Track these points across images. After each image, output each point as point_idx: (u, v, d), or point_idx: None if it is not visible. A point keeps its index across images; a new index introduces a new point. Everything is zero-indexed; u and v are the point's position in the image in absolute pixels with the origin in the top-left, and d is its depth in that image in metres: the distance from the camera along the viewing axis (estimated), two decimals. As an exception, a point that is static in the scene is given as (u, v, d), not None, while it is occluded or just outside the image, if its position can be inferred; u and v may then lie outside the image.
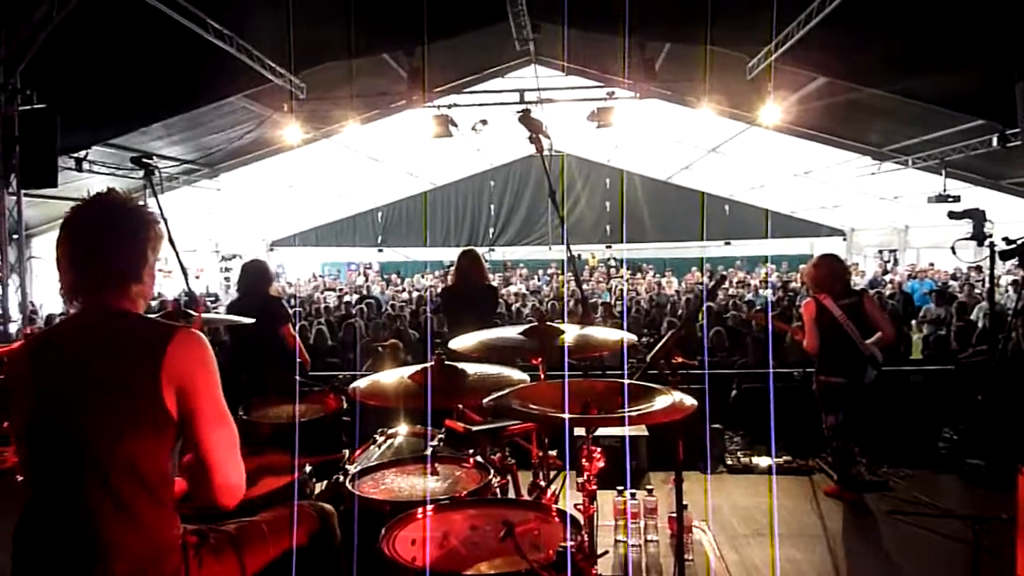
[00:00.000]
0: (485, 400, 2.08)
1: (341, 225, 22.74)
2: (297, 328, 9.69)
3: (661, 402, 1.96)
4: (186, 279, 3.86)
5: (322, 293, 17.34)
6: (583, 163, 20.47)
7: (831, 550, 4.37)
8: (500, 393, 2.10)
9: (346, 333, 10.66)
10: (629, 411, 1.88)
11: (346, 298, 15.74)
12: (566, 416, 1.84)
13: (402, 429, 3.32)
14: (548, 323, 2.44)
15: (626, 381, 2.04)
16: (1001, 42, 6.96)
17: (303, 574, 2.06)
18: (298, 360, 5.02)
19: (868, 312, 5.25)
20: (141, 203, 1.96)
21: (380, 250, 22.90)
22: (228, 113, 10.86)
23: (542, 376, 2.41)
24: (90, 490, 1.68)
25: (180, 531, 1.83)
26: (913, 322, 12.44)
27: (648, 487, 3.80)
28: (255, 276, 5.60)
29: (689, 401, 2.04)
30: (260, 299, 5.34)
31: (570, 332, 2.49)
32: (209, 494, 1.78)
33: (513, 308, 13.01)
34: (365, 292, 17.08)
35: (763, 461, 6.07)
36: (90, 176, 10.91)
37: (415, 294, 16.34)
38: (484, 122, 12.31)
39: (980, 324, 9.90)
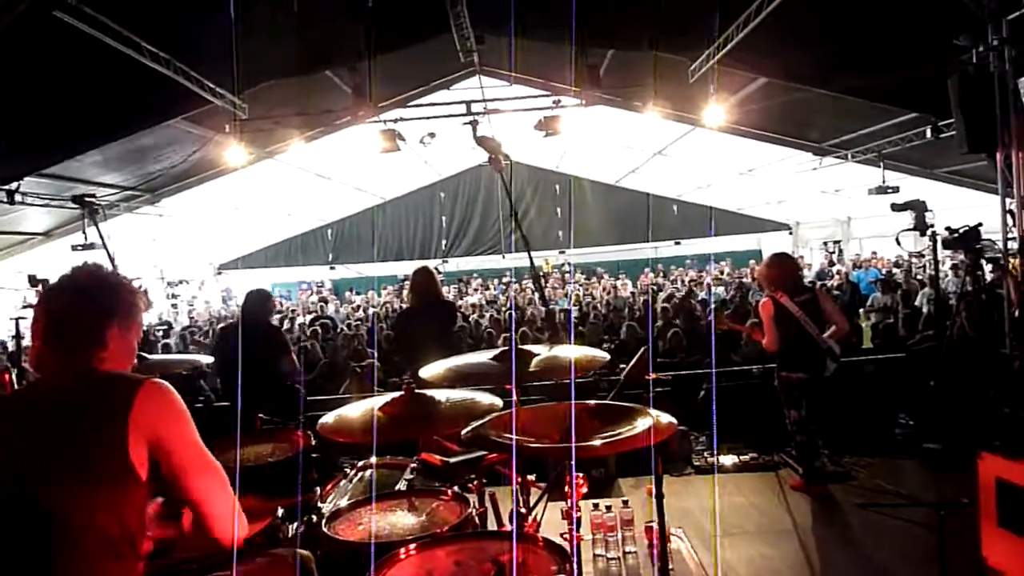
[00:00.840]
0: (463, 432, 2.04)
1: (290, 244, 22.36)
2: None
3: (641, 423, 1.94)
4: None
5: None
6: (532, 171, 20.54)
7: (802, 544, 4.44)
8: (478, 423, 2.06)
9: (300, 356, 10.47)
10: (614, 435, 1.86)
11: (299, 320, 15.47)
12: (573, 446, 1.81)
13: (371, 460, 3.25)
14: (519, 347, 2.40)
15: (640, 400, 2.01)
16: (931, 38, 7.21)
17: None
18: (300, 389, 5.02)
19: (822, 306, 5.37)
20: (108, 271, 1.95)
21: (332, 267, 22.59)
22: (168, 137, 10.58)
23: (515, 402, 2.38)
24: (53, 550, 1.61)
25: None
26: (861, 311, 12.77)
27: (624, 499, 3.79)
28: (256, 304, 5.55)
29: (667, 419, 2.04)
30: (261, 328, 5.32)
31: (541, 354, 2.46)
32: (212, 544, 1.77)
33: (471, 320, 12.96)
34: (319, 312, 16.80)
35: (729, 460, 6.15)
36: (23, 208, 10.52)
37: (371, 311, 16.15)
38: (432, 135, 12.25)
39: (925, 310, 10.23)
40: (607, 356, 2.39)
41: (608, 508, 3.71)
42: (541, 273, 21.02)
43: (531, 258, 2.66)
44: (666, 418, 2.08)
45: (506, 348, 2.38)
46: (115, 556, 1.67)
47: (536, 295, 13.38)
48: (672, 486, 5.34)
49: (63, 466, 1.63)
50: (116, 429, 1.65)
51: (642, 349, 2.41)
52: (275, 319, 6.49)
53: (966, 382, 6.11)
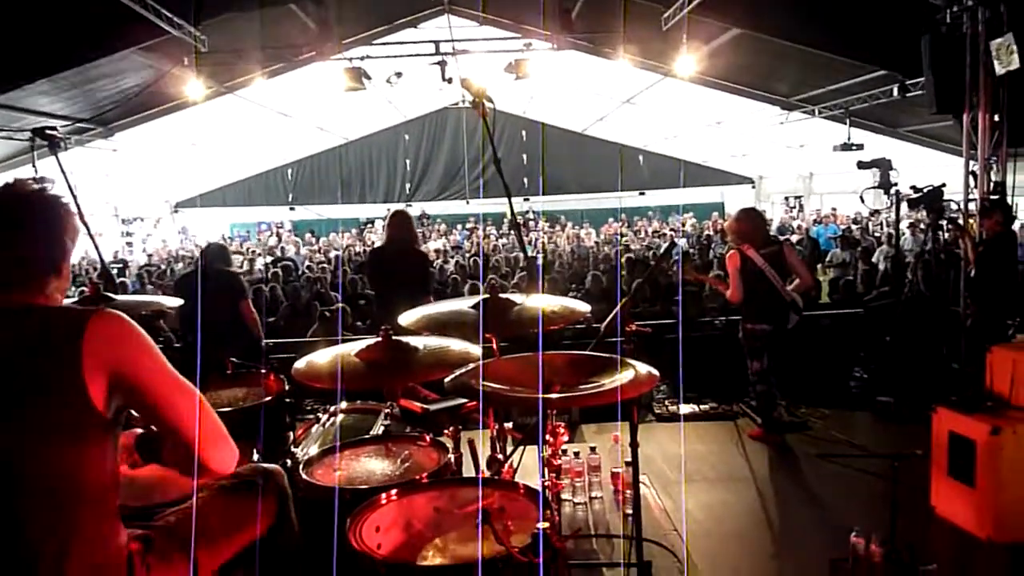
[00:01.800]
0: (446, 380, 2.03)
1: (250, 184, 21.81)
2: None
3: (623, 374, 1.95)
4: (100, 257, 3.58)
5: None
6: (499, 116, 20.22)
7: (760, 492, 4.58)
8: (460, 372, 2.05)
9: (259, 298, 10.31)
10: (597, 386, 1.87)
11: (258, 261, 15.20)
12: (540, 396, 1.81)
13: (342, 405, 3.24)
14: (499, 295, 2.39)
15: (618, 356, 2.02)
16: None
17: (262, 565, 1.99)
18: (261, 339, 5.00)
19: (787, 260, 5.46)
20: (50, 190, 1.77)
21: (292, 208, 22.15)
22: (122, 67, 10.12)
23: (495, 351, 2.37)
24: (20, 507, 1.53)
25: (124, 539, 1.71)
26: (819, 266, 13.03)
27: (591, 445, 3.86)
28: (215, 255, 5.62)
29: (647, 370, 2.05)
30: (217, 273, 5.31)
31: (519, 303, 2.44)
32: (200, 472, 1.68)
33: (435, 264, 12.88)
34: (280, 254, 16.54)
35: (688, 408, 6.29)
36: (-32, 138, 10.06)
37: (332, 254, 15.94)
38: (399, 75, 11.96)
39: (882, 267, 10.49)
40: (587, 308, 2.38)
41: (576, 454, 3.78)
42: (520, 222, 20.94)
43: (511, 206, 2.63)
44: (645, 369, 2.09)
45: (486, 296, 2.37)
46: (96, 512, 1.61)
47: (516, 243, 13.31)
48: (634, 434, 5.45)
49: (19, 414, 1.53)
50: (71, 368, 1.53)
51: (624, 300, 2.40)
52: (235, 268, 6.53)
53: (919, 338, 6.30)
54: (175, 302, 3.34)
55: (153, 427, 1.72)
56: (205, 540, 1.86)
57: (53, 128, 2.93)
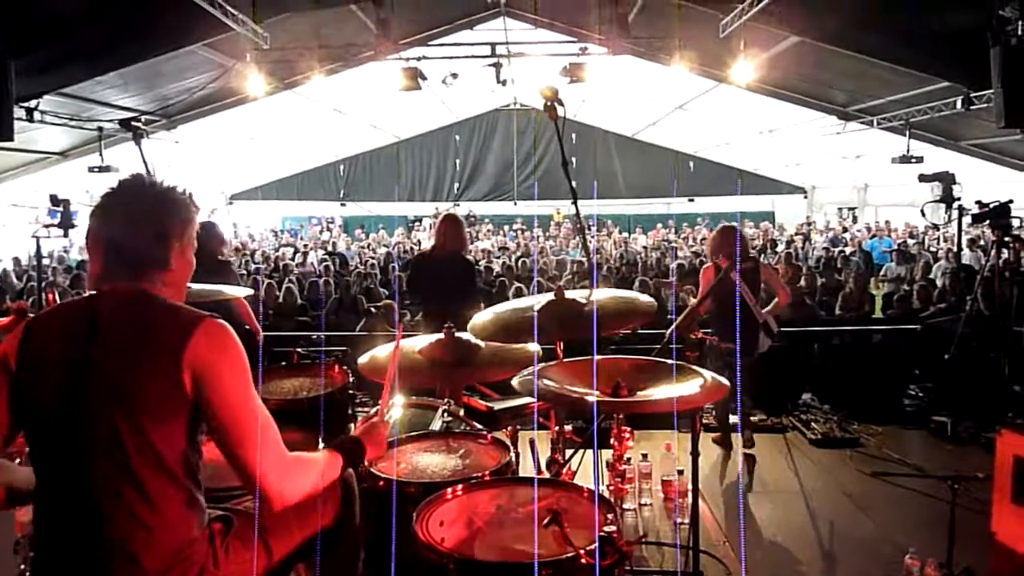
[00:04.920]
0: (515, 380, 2.05)
1: (303, 178, 22.22)
2: (264, 287, 9.56)
3: (692, 382, 1.95)
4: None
5: (277, 250, 16.85)
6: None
7: (810, 507, 4.50)
8: (526, 372, 2.07)
9: (312, 291, 10.50)
10: (669, 392, 1.87)
11: (311, 255, 15.47)
12: (595, 398, 1.82)
13: (398, 400, 3.28)
14: (564, 297, 2.40)
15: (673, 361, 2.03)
16: (971, 7, 7.03)
17: (325, 555, 2.04)
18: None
19: (764, 278, 5.39)
20: (169, 185, 1.85)
21: (343, 204, 22.49)
22: (188, 62, 10.43)
23: (559, 352, 2.39)
24: (110, 482, 1.61)
25: (206, 519, 1.79)
26: (872, 280, 12.75)
27: (643, 452, 3.85)
28: (204, 238, 5.32)
29: (715, 379, 2.05)
30: (210, 262, 4.81)
31: (586, 305, 2.45)
32: (262, 501, 1.71)
33: (481, 264, 12.95)
34: (331, 248, 16.80)
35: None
36: (41, 127, 10.45)
37: (381, 250, 16.13)
38: (455, 75, 12.06)
39: (939, 283, 10.21)
40: (654, 302, 2.36)
41: (628, 460, 3.77)
42: (552, 221, 20.95)
43: (577, 209, 2.64)
44: (712, 378, 2.09)
45: (552, 299, 2.39)
46: (181, 491, 1.67)
47: (580, 247, 13.26)
48: (683, 442, 5.40)
49: (118, 391, 1.61)
50: (171, 360, 1.62)
51: (691, 306, 2.40)
52: (229, 255, 5.98)
53: (980, 358, 6.13)
54: (240, 291, 3.42)
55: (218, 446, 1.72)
56: (280, 528, 1.93)
57: (138, 120, 3.04)
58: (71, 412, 1.63)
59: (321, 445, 2.47)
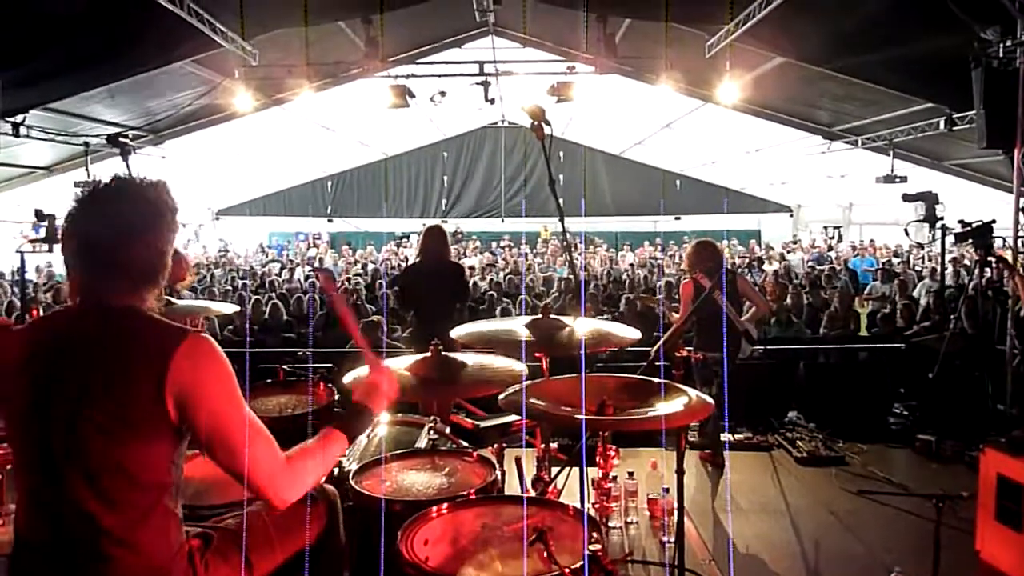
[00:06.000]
0: (501, 397, 2.05)
1: (290, 194, 22.20)
2: (251, 303, 9.51)
3: (676, 400, 1.96)
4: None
5: (264, 266, 16.77)
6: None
7: (796, 525, 4.50)
8: (513, 390, 2.07)
9: (298, 307, 10.46)
10: (655, 411, 1.87)
11: (297, 271, 15.41)
12: (583, 416, 1.82)
13: (384, 417, 3.26)
14: (550, 317, 2.41)
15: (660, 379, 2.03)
16: (954, 28, 7.13)
17: (309, 573, 2.02)
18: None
19: (741, 290, 5.53)
20: (157, 187, 1.78)
21: (330, 220, 22.47)
22: (176, 78, 10.41)
23: (545, 371, 2.39)
24: (86, 503, 1.59)
25: (184, 536, 1.76)
26: (857, 299, 12.82)
27: (629, 471, 3.85)
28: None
29: (700, 398, 2.05)
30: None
31: (570, 325, 2.46)
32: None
33: (470, 280, 12.93)
34: (318, 264, 16.76)
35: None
36: (26, 142, 10.38)
37: (370, 267, 16.10)
38: (443, 93, 12.12)
39: (923, 301, 10.29)
40: (638, 334, 2.39)
41: (614, 478, 3.76)
42: (539, 238, 21.00)
43: (564, 227, 2.65)
44: (697, 396, 2.09)
45: (539, 316, 2.39)
46: (158, 508, 1.66)
47: (567, 264, 13.27)
48: (669, 460, 5.40)
49: (102, 406, 1.58)
50: (157, 376, 1.58)
51: (675, 324, 2.40)
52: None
53: (964, 376, 6.18)
54: (226, 308, 3.41)
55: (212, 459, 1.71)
56: (260, 545, 1.91)
57: (125, 136, 3.04)
58: (47, 429, 1.61)
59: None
